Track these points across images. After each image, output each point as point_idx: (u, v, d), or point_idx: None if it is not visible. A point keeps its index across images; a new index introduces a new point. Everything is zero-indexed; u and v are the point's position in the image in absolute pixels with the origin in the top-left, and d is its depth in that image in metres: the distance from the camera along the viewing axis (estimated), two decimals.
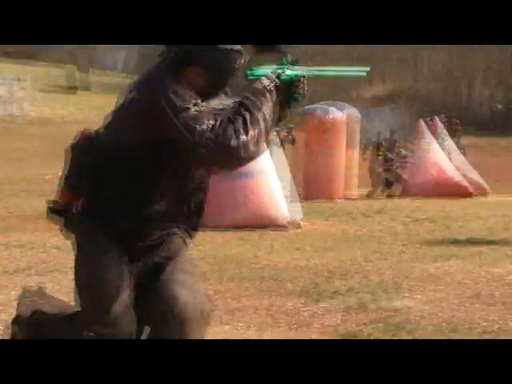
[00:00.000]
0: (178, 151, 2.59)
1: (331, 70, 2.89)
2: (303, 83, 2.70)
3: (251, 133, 2.52)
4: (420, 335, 4.67)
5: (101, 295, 2.70)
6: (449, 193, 16.05)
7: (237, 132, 2.51)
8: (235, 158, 2.57)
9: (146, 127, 2.59)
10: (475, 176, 17.86)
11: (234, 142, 2.51)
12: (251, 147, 2.54)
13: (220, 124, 2.51)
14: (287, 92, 2.68)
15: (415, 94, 30.02)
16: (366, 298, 5.85)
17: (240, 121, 2.51)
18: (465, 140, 22.57)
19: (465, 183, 17.22)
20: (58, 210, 2.74)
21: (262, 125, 2.55)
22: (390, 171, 17.23)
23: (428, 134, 17.33)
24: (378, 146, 17.88)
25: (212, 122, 2.51)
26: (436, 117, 19.01)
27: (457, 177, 17.16)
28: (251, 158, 2.60)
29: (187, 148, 2.54)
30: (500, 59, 30.19)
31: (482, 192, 17.33)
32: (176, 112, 2.53)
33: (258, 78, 2.64)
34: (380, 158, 17.58)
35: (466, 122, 25.89)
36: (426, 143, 17.12)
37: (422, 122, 17.88)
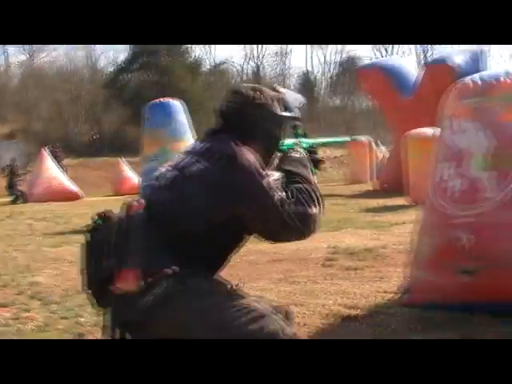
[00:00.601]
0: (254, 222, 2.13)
1: (326, 140, 2.77)
2: (317, 153, 2.35)
3: (317, 205, 2.15)
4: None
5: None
6: (60, 198, 18.50)
7: (308, 204, 2.12)
8: (310, 227, 2.14)
9: (224, 195, 2.07)
10: (73, 185, 21.17)
11: (310, 212, 2.11)
12: (319, 219, 2.16)
13: (296, 198, 2.11)
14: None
15: (32, 131, 34.50)
16: (6, 278, 6.49)
17: (304, 195, 2.12)
18: (68, 161, 27.70)
19: (72, 189, 20.58)
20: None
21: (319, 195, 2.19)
22: (15, 186, 20.78)
23: (48, 159, 20.95)
24: (10, 169, 21.39)
25: (284, 198, 2.10)
26: (46, 147, 22.77)
27: (67, 186, 20.46)
28: (316, 230, 2.17)
29: (260, 218, 2.10)
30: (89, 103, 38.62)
31: (77, 196, 20.27)
32: (254, 179, 2.08)
33: (289, 148, 2.28)
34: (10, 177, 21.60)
35: (69, 149, 30.80)
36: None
37: (44, 151, 21.36)
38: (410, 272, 4.73)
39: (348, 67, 45.73)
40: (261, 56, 51.30)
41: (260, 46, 51.40)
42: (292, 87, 50.23)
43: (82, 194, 21.06)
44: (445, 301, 4.33)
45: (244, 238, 2.22)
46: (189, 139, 12.68)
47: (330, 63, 51.45)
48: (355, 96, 43.83)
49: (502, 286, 4.17)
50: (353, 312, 4.59)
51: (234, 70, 51.35)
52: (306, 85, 49.54)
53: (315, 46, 51.27)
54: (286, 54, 51.69)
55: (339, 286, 5.51)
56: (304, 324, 4.37)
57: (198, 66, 45.74)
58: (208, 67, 49.02)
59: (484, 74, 4.62)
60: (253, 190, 2.07)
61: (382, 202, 13.12)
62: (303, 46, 57.49)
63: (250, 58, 51.20)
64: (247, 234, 2.20)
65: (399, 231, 8.47)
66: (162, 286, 1.95)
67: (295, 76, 52.67)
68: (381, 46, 48.47)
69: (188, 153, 2.23)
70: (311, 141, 2.35)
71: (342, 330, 4.23)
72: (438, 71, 10.99)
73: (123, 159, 25.09)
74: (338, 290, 5.37)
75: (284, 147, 2.26)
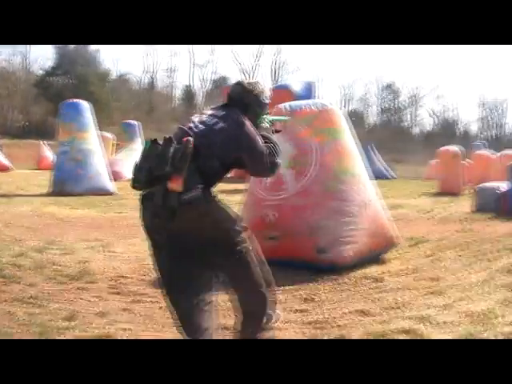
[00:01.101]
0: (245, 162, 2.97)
1: (276, 117, 3.58)
2: (274, 125, 3.30)
3: (279, 157, 3.05)
4: None
5: (239, 222, 2.99)
6: None
7: (275, 156, 3.00)
8: (274, 172, 3.08)
9: (235, 148, 2.91)
10: (5, 160, 22.73)
11: (277, 162, 3.02)
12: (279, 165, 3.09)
13: (269, 151, 2.98)
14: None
15: None
16: None
17: (274, 149, 3.01)
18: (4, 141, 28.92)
19: (4, 163, 22.25)
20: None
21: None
22: None
23: None
24: None
25: (266, 149, 2.97)
26: None
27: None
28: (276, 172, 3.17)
29: (252, 160, 2.96)
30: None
31: (7, 168, 21.65)
32: (254, 138, 2.94)
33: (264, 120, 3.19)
34: None
35: (5, 132, 33.25)
36: None
37: None
38: None
39: (220, 84, 48.40)
40: (155, 70, 53.71)
41: (155, 62, 54.78)
42: (176, 98, 52.89)
43: (11, 166, 22.11)
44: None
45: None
46: (92, 132, 13.36)
47: (207, 80, 54.53)
48: None
49: (296, 247, 4.97)
50: None
51: (134, 79, 52.96)
52: (188, 96, 52.28)
53: (197, 66, 53.34)
54: (174, 70, 54.66)
55: None
56: None
57: (106, 75, 47.11)
58: (114, 77, 50.42)
59: (292, 103, 5.41)
60: (252, 143, 2.91)
61: None
62: (187, 65, 58.81)
63: (146, 72, 53.45)
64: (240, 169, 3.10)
65: None
66: (195, 192, 2.74)
67: (180, 89, 54.82)
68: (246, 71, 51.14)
69: (212, 115, 3.00)
70: (271, 117, 3.28)
71: None
72: (280, 95, 12.11)
73: (45, 142, 25.60)
74: None
75: (259, 120, 3.14)
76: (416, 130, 57.18)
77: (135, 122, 22.04)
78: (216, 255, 2.84)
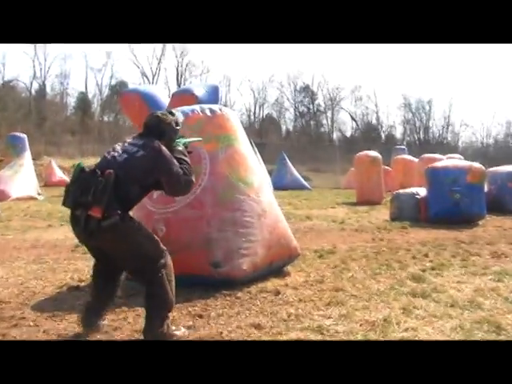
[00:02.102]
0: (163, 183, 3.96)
1: (189, 140, 4.44)
2: (187, 146, 4.28)
3: (193, 176, 4.06)
4: None
5: (159, 243, 3.98)
6: None
7: (189, 175, 3.99)
8: (189, 190, 4.15)
9: (153, 172, 3.87)
10: None
11: (191, 180, 4.02)
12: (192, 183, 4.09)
13: (183, 171, 3.93)
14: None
15: None
16: None
17: (188, 170, 3.99)
18: None
19: None
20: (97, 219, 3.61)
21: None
22: None
23: None
24: None
25: (180, 170, 3.93)
26: None
27: None
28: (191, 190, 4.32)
29: (169, 181, 3.94)
30: None
31: None
32: (170, 161, 3.90)
33: (176, 144, 4.17)
34: None
35: None
36: None
37: None
38: None
39: (118, 90, 47.63)
40: (45, 76, 52.13)
41: (45, 67, 51.64)
42: (71, 106, 52.26)
43: None
44: None
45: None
46: None
47: (104, 86, 54.68)
48: (121, 115, 46.21)
49: (190, 262, 5.17)
50: (80, 284, 5.68)
51: (22, 86, 51.21)
52: (83, 104, 51.47)
53: (92, 70, 52.67)
54: (66, 75, 53.77)
55: (75, 265, 6.67)
56: (43, 293, 5.33)
57: None
58: None
59: (180, 108, 5.66)
60: (168, 166, 3.87)
61: None
62: (82, 70, 57.85)
63: (35, 77, 51.63)
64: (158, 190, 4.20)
65: None
66: (113, 219, 3.64)
67: (74, 96, 54.02)
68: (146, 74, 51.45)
69: (131, 144, 3.93)
70: (184, 140, 4.25)
71: (69, 296, 5.27)
72: (183, 100, 12.49)
73: None
74: (74, 268, 6.51)
75: (175, 144, 4.13)
76: (336, 136, 59.12)
77: (23, 135, 21.46)
78: (129, 268, 4.00)
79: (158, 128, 4.06)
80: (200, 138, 5.04)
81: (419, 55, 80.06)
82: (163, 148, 3.93)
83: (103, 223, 3.61)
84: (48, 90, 53.64)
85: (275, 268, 5.88)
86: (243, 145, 5.92)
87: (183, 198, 5.39)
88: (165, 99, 8.66)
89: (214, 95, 7.97)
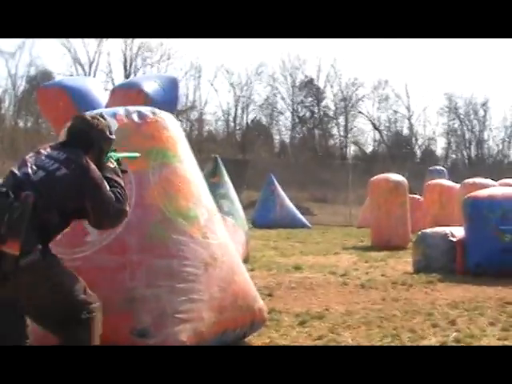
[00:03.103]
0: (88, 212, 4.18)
1: (125, 154, 4.77)
2: (121, 164, 4.55)
3: (127, 203, 4.33)
4: None
5: (83, 286, 4.23)
6: None
7: (122, 203, 4.25)
8: (120, 222, 4.45)
9: (77, 196, 4.10)
10: None
11: (124, 209, 4.29)
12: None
13: (115, 197, 4.19)
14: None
15: None
16: None
17: (121, 195, 4.26)
18: None
19: None
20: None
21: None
22: None
23: None
24: None
25: (111, 195, 4.18)
26: None
27: None
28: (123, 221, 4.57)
29: (96, 209, 4.17)
30: None
31: None
32: (99, 184, 4.15)
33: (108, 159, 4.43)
34: None
35: None
36: None
37: None
38: None
39: (39, 83, 47.91)
40: None
41: None
42: None
43: None
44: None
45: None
46: None
47: (20, 77, 53.38)
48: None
49: (105, 328, 4.69)
50: None
51: None
52: None
53: (2, 55, 52.51)
54: None
55: None
56: None
57: None
58: None
59: (98, 111, 5.81)
60: (96, 191, 4.09)
61: None
62: None
63: None
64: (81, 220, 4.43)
65: None
66: (33, 255, 3.85)
67: None
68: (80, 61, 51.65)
69: (50, 157, 4.14)
70: (118, 155, 4.51)
71: None
72: (125, 97, 12.61)
73: None
74: None
75: (105, 158, 4.36)
76: (351, 152, 59.36)
77: None
78: (50, 320, 4.15)
79: (86, 136, 4.29)
80: (137, 154, 5.22)
81: (470, 41, 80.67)
82: (92, 166, 4.15)
83: (21, 261, 3.79)
84: None
85: (230, 339, 5.92)
86: (185, 163, 6.04)
87: (98, 240, 5.43)
88: (101, 97, 8.77)
89: (171, 92, 8.06)
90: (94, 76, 51.38)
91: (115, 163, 4.46)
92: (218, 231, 6.10)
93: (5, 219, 3.76)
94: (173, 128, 6.10)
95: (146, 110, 6.03)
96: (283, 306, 8.39)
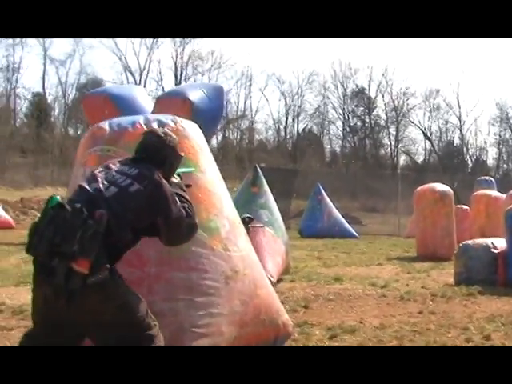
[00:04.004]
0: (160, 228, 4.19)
1: (183, 170, 4.72)
2: (182, 179, 4.55)
3: (196, 218, 4.33)
4: None
5: (146, 308, 4.16)
6: None
7: (192, 217, 4.25)
8: (191, 236, 4.46)
9: (151, 213, 4.08)
10: None
11: (195, 223, 4.30)
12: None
13: (186, 212, 4.17)
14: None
15: None
16: None
17: (190, 210, 4.26)
18: None
19: None
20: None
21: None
22: None
23: None
24: None
25: (183, 210, 4.16)
26: None
27: None
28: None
29: (169, 225, 4.16)
30: None
31: None
32: (172, 200, 4.12)
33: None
34: None
35: None
36: None
37: None
38: None
39: (86, 91, 48.28)
40: None
41: None
42: (22, 111, 53.00)
43: None
44: None
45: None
46: None
47: (69, 85, 54.41)
48: None
49: None
50: None
51: None
52: (38, 110, 51.35)
53: (53, 63, 53.04)
54: (15, 69, 53.33)
55: None
56: None
57: None
58: None
59: (114, 121, 5.75)
60: (169, 206, 4.06)
61: None
62: (39, 62, 56.84)
63: None
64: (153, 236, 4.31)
65: None
66: (102, 274, 3.75)
67: (25, 97, 54.32)
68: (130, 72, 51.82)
69: (121, 173, 4.08)
70: (179, 170, 4.50)
71: None
72: (170, 105, 12.54)
73: None
74: None
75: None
76: (402, 161, 58.81)
77: None
78: (112, 339, 3.98)
79: (159, 153, 4.28)
80: (192, 169, 5.37)
81: None
82: (164, 181, 4.14)
83: (89, 280, 3.70)
84: None
85: None
86: (207, 173, 5.84)
87: None
88: (147, 105, 8.67)
89: (216, 100, 7.93)
90: (145, 84, 51.54)
91: (178, 178, 4.45)
92: (240, 243, 5.88)
93: (77, 236, 3.67)
94: (195, 137, 5.91)
95: (167, 118, 5.84)
96: (317, 319, 8.15)
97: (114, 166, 4.14)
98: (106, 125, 5.78)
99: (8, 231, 25.66)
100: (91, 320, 3.87)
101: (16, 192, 36.90)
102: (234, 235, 5.86)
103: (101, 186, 3.99)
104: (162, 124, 5.73)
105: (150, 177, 4.06)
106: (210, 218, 5.71)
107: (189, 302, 5.36)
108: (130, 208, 3.95)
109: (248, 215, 11.73)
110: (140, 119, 5.81)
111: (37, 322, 4.08)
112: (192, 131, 5.94)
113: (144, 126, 5.69)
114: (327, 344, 6.90)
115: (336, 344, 6.91)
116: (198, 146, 5.92)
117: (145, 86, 49.65)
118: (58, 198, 3.84)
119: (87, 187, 4.01)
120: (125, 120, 5.81)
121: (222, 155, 52.10)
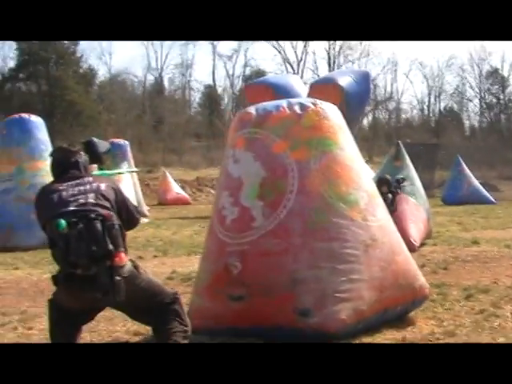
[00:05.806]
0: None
1: (116, 171, 5.02)
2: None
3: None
4: None
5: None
6: None
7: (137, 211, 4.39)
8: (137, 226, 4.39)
9: (119, 198, 4.15)
10: None
11: (138, 216, 4.38)
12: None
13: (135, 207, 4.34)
14: None
15: None
16: None
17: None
18: None
19: None
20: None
21: None
22: None
23: None
24: None
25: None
26: None
27: None
28: None
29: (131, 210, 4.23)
30: None
31: None
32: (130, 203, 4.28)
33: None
34: None
35: None
36: None
37: None
38: (191, 299, 5.51)
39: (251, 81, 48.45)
40: (162, 67, 53.38)
41: (161, 55, 52.81)
42: (196, 102, 53.85)
43: None
44: (219, 327, 5.12)
45: None
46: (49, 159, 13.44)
47: (236, 77, 54.45)
48: None
49: (269, 309, 5.00)
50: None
51: (133, 81, 52.95)
52: (210, 100, 52.42)
53: (221, 58, 53.71)
54: (189, 65, 54.03)
55: None
56: None
57: (91, 76, 46.66)
58: (103, 78, 50.26)
59: (259, 105, 5.52)
60: (126, 202, 4.17)
61: None
62: (209, 58, 57.03)
63: (150, 69, 53.21)
64: None
65: None
66: (128, 263, 3.91)
67: (198, 89, 55.29)
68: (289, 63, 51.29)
69: (79, 184, 3.98)
70: (109, 172, 4.67)
71: None
72: (323, 90, 12.22)
73: None
74: None
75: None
76: None
77: (124, 142, 21.64)
78: (146, 309, 4.09)
79: (77, 161, 4.17)
80: (136, 169, 5.35)
81: None
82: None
83: (123, 271, 3.83)
84: (166, 84, 54.81)
85: (392, 316, 5.36)
86: (346, 150, 5.53)
87: (263, 225, 5.10)
88: (302, 91, 8.38)
89: (363, 84, 7.62)
90: (302, 74, 51.36)
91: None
92: (378, 214, 5.53)
93: (107, 237, 3.75)
94: (333, 117, 5.60)
95: (308, 101, 5.58)
96: (455, 280, 7.70)
97: (66, 188, 4.00)
98: (252, 109, 5.59)
99: (185, 207, 26.21)
100: (126, 300, 3.87)
101: (192, 172, 37.72)
102: (373, 206, 5.51)
103: (82, 200, 3.90)
104: (303, 106, 5.47)
105: (97, 178, 4.18)
106: (349, 191, 5.39)
107: (331, 270, 5.10)
108: (118, 201, 4.10)
109: (401, 176, 11.80)
110: (283, 103, 5.58)
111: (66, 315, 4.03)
112: (331, 112, 5.63)
113: (287, 110, 5.47)
114: (462, 304, 6.48)
115: (471, 303, 6.43)
116: (336, 126, 5.61)
117: (302, 75, 49.46)
118: (62, 220, 3.70)
119: (75, 208, 3.86)
120: (270, 104, 5.59)
121: (372, 133, 52.13)
